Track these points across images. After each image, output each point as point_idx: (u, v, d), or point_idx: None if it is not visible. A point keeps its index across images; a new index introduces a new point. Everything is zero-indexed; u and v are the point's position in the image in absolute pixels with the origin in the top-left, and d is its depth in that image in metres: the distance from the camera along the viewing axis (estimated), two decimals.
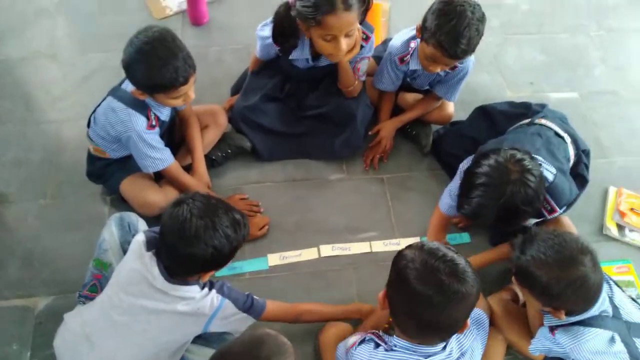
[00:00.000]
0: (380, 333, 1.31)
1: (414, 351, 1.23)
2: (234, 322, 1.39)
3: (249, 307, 1.40)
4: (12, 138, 2.01)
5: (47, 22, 2.36)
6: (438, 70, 1.76)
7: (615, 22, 2.58)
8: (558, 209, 1.57)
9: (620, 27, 2.57)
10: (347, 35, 1.64)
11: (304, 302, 1.60)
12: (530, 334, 1.56)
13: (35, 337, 1.59)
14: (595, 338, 1.35)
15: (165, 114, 1.69)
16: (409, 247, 1.23)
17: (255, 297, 1.43)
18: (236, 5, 2.47)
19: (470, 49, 1.66)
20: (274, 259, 1.78)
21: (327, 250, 1.81)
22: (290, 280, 1.73)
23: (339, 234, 1.85)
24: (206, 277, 1.33)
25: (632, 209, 1.94)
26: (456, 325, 1.18)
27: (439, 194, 1.92)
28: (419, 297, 1.13)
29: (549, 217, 1.60)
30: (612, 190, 2.00)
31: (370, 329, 1.51)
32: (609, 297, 1.42)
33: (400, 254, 1.22)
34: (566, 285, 1.28)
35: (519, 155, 1.46)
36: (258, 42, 1.87)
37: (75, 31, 2.35)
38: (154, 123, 1.63)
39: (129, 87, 1.59)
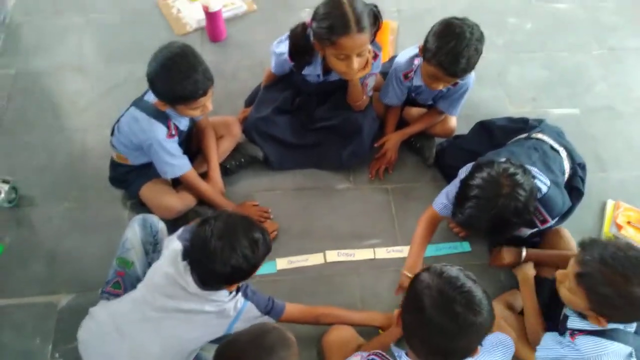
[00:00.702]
0: (392, 347, 1.30)
1: None
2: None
3: (269, 309, 1.50)
4: (40, 145, 2.13)
5: (75, 37, 2.50)
6: (440, 87, 1.85)
7: (616, 42, 2.66)
8: (550, 220, 1.64)
9: (620, 46, 2.65)
10: (359, 55, 1.74)
11: (310, 304, 1.67)
12: (527, 341, 1.62)
13: (57, 332, 1.69)
14: (616, 352, 1.36)
15: (184, 124, 1.80)
16: (428, 270, 1.20)
17: (275, 299, 1.52)
18: (252, 23, 2.60)
19: (469, 68, 1.75)
20: (282, 263, 1.87)
21: (332, 255, 1.90)
22: (297, 284, 1.82)
23: (345, 241, 1.94)
24: (232, 288, 1.43)
25: (629, 222, 2.00)
26: (467, 353, 1.17)
27: None
28: (433, 325, 1.12)
29: (541, 227, 1.66)
30: (610, 204, 2.07)
31: (379, 346, 1.53)
32: None
33: (417, 278, 1.20)
34: (629, 302, 1.28)
35: (511, 170, 1.51)
36: (273, 58, 1.97)
37: (101, 45, 2.49)
38: (173, 132, 1.73)
39: (151, 98, 1.70)
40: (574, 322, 1.43)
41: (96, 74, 2.37)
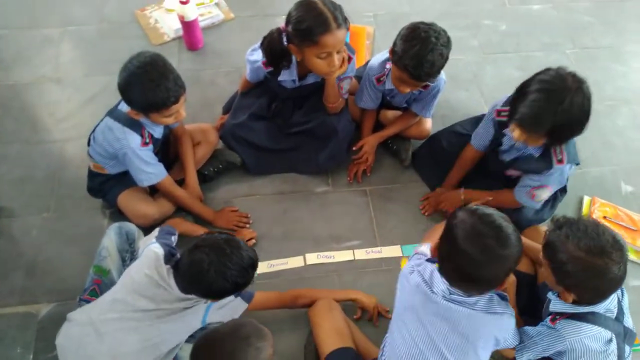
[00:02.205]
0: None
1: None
2: (230, 309, 1.52)
3: (239, 292, 1.52)
4: (18, 157, 2.13)
5: (52, 49, 2.51)
6: (408, 90, 1.87)
7: (589, 41, 2.71)
8: (565, 161, 1.66)
9: (594, 45, 2.69)
10: (338, 52, 1.78)
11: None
12: None
13: (37, 341, 1.69)
14: (597, 336, 1.38)
15: (158, 132, 1.81)
16: (463, 209, 1.34)
17: None
18: (230, 31, 2.62)
19: (434, 72, 1.77)
20: (262, 267, 1.87)
21: (312, 258, 1.92)
22: (278, 287, 1.81)
23: (324, 243, 1.96)
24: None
25: (604, 217, 2.03)
26: (493, 283, 1.30)
27: (419, 204, 2.04)
28: (463, 254, 1.26)
29: (555, 165, 1.67)
30: (586, 200, 2.10)
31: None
32: (619, 299, 1.45)
33: (453, 214, 1.33)
34: (584, 269, 1.31)
35: (577, 76, 1.53)
36: (248, 66, 1.99)
37: (78, 57, 2.50)
38: (147, 140, 1.74)
39: (124, 107, 1.71)
40: (555, 305, 1.46)
41: (74, 85, 2.38)
